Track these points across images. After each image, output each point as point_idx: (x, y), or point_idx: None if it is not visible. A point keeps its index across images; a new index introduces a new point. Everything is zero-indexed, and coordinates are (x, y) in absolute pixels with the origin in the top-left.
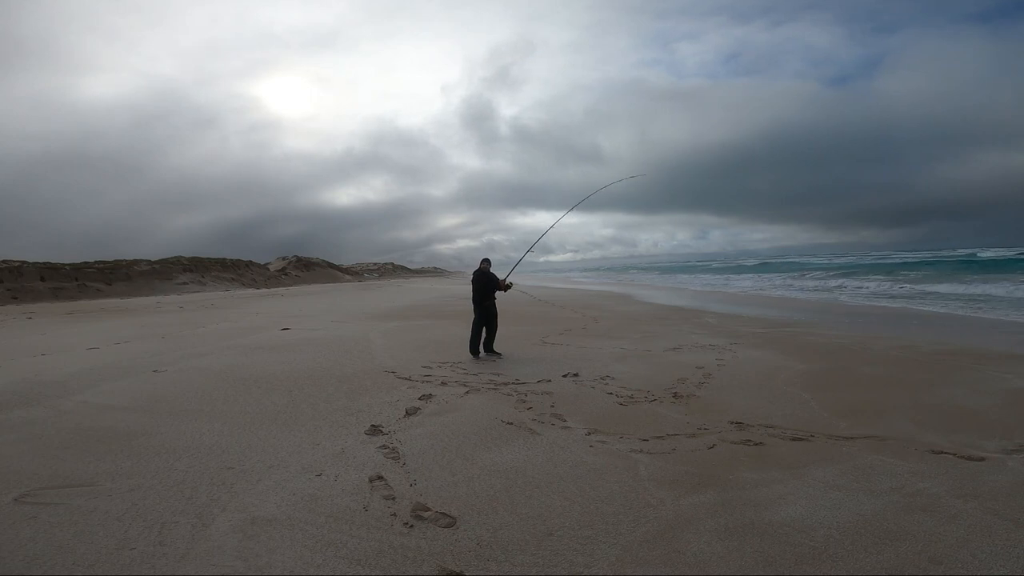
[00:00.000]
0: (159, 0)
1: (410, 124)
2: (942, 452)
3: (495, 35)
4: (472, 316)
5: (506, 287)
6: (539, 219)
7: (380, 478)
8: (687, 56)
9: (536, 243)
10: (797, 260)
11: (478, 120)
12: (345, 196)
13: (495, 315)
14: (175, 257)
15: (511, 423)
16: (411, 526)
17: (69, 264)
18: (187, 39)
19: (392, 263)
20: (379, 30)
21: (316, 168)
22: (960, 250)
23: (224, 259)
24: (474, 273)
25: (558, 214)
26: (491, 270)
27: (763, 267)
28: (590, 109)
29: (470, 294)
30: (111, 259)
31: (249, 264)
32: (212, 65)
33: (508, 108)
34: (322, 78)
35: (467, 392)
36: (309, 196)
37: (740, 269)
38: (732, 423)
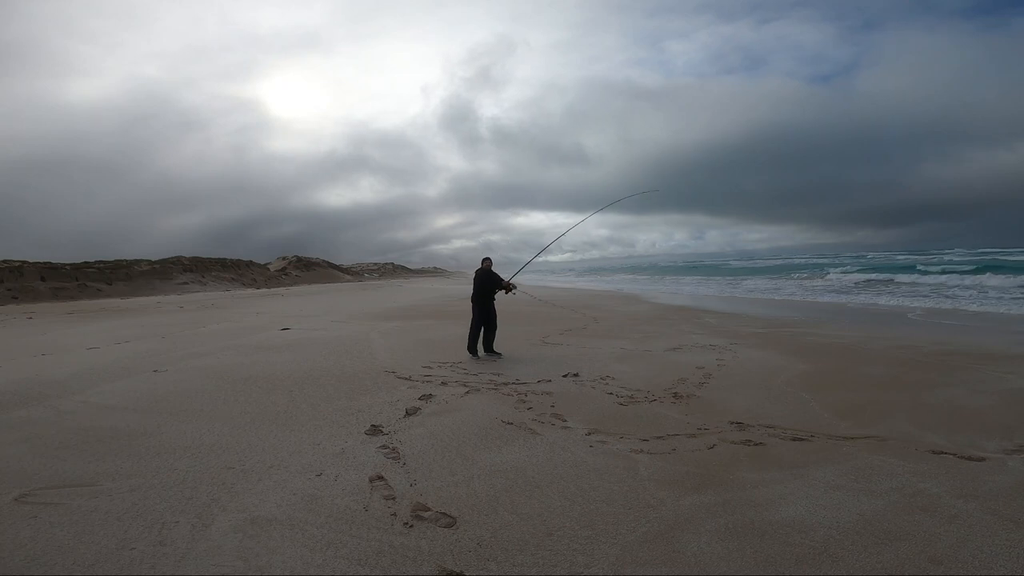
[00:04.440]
0: (142, 4)
1: (400, 124)
2: (942, 452)
3: (485, 35)
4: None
5: (509, 287)
6: (535, 219)
7: (380, 478)
8: (677, 55)
9: (549, 246)
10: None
11: (458, 121)
12: (340, 196)
13: (494, 315)
14: (175, 257)
15: (511, 423)
16: (411, 526)
17: (69, 264)
18: (172, 42)
19: (392, 263)
20: (365, 30)
21: (308, 168)
22: (934, 252)
23: (224, 259)
24: (476, 271)
25: (552, 214)
26: (492, 269)
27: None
28: (578, 109)
29: (470, 294)
30: (111, 259)
31: (249, 264)
32: (197, 67)
33: (494, 108)
34: (308, 79)
35: (467, 392)
36: (303, 196)
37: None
38: (732, 423)
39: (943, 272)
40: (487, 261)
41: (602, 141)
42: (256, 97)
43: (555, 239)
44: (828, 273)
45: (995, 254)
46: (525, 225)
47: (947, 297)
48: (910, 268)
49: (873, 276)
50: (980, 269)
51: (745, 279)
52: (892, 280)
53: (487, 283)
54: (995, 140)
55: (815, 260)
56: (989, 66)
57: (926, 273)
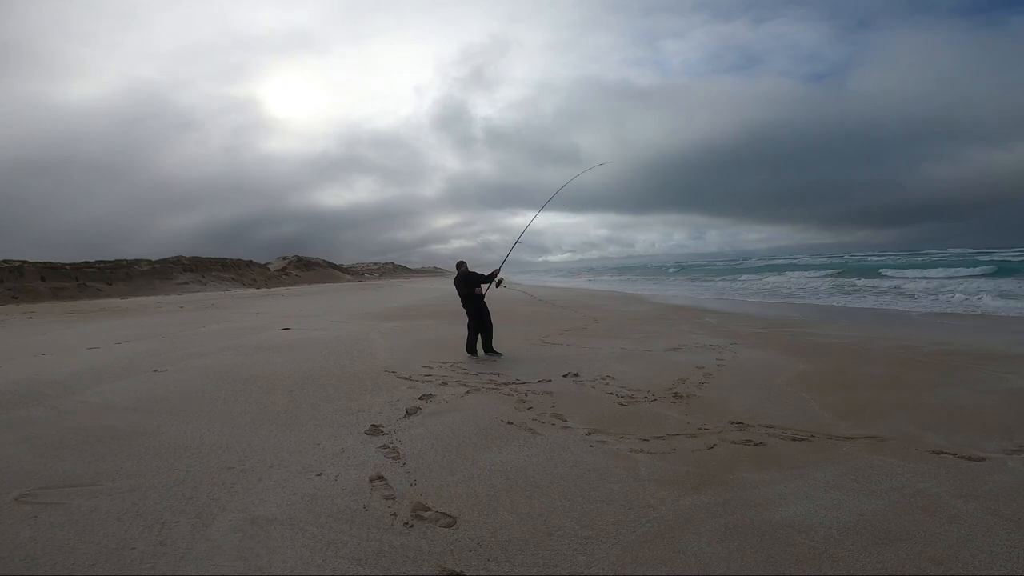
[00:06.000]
0: (139, 5)
1: (394, 124)
2: (942, 452)
3: (479, 35)
4: (466, 318)
5: (498, 280)
6: (535, 220)
7: (380, 478)
8: (673, 54)
9: (518, 241)
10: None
11: (452, 121)
12: (338, 197)
13: (488, 313)
14: (175, 257)
15: (511, 423)
16: (411, 526)
17: (69, 264)
18: (169, 43)
19: (392, 263)
20: (363, 30)
21: (307, 168)
22: (920, 254)
23: (224, 259)
24: (455, 279)
25: (550, 214)
26: (470, 269)
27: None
28: (574, 109)
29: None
30: (111, 259)
31: (249, 264)
32: (194, 68)
33: (488, 108)
34: (304, 79)
35: (467, 392)
36: (302, 196)
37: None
38: (732, 423)
39: (924, 277)
40: (463, 265)
41: (598, 141)
42: (253, 97)
43: (520, 234)
44: (782, 274)
45: (991, 254)
46: (523, 225)
47: (891, 297)
48: (875, 270)
49: (832, 278)
50: (1002, 271)
51: (708, 280)
52: (852, 283)
53: (473, 283)
54: (994, 140)
55: (794, 261)
56: (987, 65)
57: (889, 277)
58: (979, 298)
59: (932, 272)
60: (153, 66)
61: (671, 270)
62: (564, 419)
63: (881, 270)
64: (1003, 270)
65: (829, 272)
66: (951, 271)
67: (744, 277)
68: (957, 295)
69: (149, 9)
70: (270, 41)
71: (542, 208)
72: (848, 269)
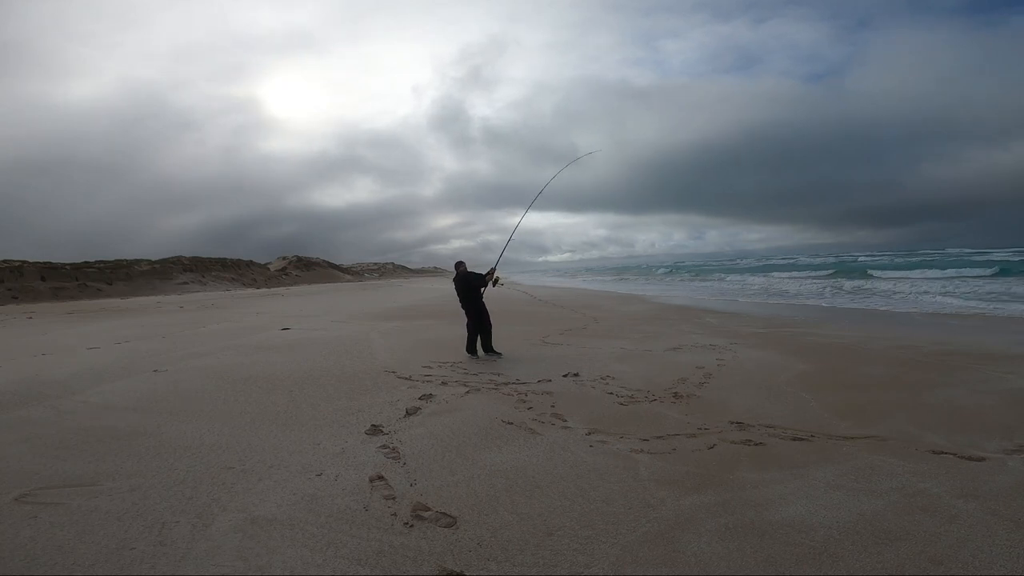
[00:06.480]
0: (139, 5)
1: (392, 124)
2: (942, 452)
3: (477, 35)
4: (465, 318)
5: (494, 280)
6: (532, 219)
7: (380, 478)
8: (672, 54)
9: (511, 238)
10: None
11: (450, 121)
12: (338, 197)
13: (487, 313)
14: (175, 257)
15: (511, 423)
16: (411, 526)
17: (69, 264)
18: (168, 43)
19: (392, 263)
20: (362, 31)
21: (305, 168)
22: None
23: (224, 259)
24: (454, 279)
25: (549, 214)
26: (468, 270)
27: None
28: (573, 109)
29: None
30: (111, 259)
31: (249, 264)
32: (193, 68)
33: (486, 108)
34: (303, 79)
35: (467, 392)
36: (301, 196)
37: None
38: (732, 423)
39: (912, 279)
40: (462, 265)
41: (596, 141)
42: (253, 97)
43: (513, 229)
44: (768, 275)
45: (989, 254)
46: (522, 225)
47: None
48: (863, 270)
49: (823, 279)
50: (1002, 271)
51: (695, 280)
52: (838, 283)
53: (472, 284)
54: (993, 140)
55: (791, 261)
56: (987, 65)
57: (878, 278)
58: (964, 301)
59: (917, 273)
60: (153, 66)
61: (659, 271)
62: (564, 419)
63: (870, 271)
64: (1003, 271)
65: (823, 273)
66: (944, 272)
67: (731, 278)
68: (938, 297)
69: (149, 9)
70: (270, 41)
71: (532, 202)
72: (843, 269)
